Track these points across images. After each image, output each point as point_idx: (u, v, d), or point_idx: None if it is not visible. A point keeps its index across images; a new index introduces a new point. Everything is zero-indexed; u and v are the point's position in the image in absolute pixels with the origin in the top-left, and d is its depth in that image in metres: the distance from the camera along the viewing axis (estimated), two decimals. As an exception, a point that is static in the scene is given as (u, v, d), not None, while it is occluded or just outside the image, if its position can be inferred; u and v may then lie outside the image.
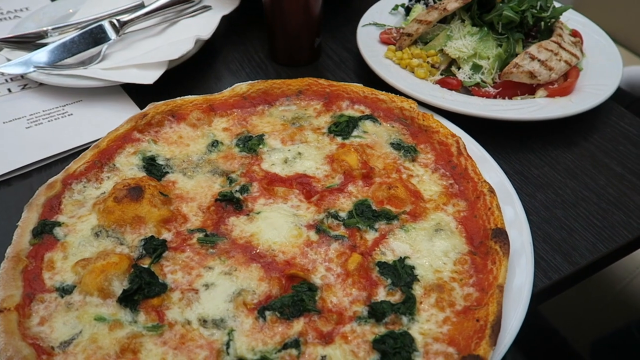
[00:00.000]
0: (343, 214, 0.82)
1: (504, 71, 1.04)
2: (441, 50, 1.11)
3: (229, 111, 1.01)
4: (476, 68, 1.07)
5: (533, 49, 1.05)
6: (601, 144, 1.01)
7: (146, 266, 0.73)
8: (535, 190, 0.92)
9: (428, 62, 1.11)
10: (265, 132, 0.97)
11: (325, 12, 1.37)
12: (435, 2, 1.19)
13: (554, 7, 1.11)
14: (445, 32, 1.11)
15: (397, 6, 1.29)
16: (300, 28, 1.16)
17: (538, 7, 1.08)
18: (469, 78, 1.07)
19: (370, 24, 1.23)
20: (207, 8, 1.31)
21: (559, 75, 1.05)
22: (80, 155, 0.88)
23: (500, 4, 1.07)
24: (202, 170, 0.89)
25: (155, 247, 0.75)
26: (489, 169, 0.89)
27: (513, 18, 1.05)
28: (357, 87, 1.04)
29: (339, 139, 0.95)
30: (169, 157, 0.91)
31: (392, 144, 0.94)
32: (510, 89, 1.06)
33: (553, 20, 1.11)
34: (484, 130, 0.99)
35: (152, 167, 0.88)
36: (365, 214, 0.81)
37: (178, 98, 1.00)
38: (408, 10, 1.28)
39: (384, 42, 1.19)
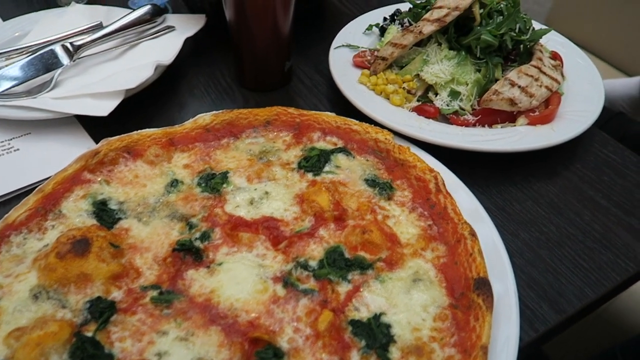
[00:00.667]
0: (313, 263, 0.75)
1: (483, 98, 0.99)
2: (417, 75, 1.06)
3: (191, 145, 0.93)
4: (454, 94, 1.01)
5: (513, 74, 1.00)
6: (585, 175, 0.97)
7: (90, 334, 0.65)
8: (519, 228, 0.87)
9: (404, 88, 1.05)
10: (229, 168, 0.90)
11: (296, 32, 1.31)
12: (410, 24, 1.13)
13: (533, 29, 1.06)
14: (422, 56, 1.06)
15: (371, 26, 1.23)
16: (269, 51, 1.09)
17: (517, 30, 1.03)
18: (447, 105, 1.01)
19: (343, 45, 1.17)
20: (170, 29, 1.23)
21: (540, 102, 1.00)
22: (22, 201, 0.80)
23: (478, 27, 1.02)
24: (159, 215, 0.81)
25: (102, 311, 0.67)
26: (470, 210, 0.83)
27: (491, 42, 1.00)
28: (329, 117, 0.98)
29: (309, 176, 0.89)
30: (122, 200, 0.83)
31: (366, 181, 0.88)
32: (490, 117, 1.01)
33: (532, 43, 1.07)
34: (463, 161, 0.94)
35: (103, 212, 0.80)
36: (338, 263, 0.75)
37: (134, 132, 0.92)
38: (383, 30, 1.22)
39: (358, 65, 1.13)
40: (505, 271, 0.75)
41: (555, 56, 1.14)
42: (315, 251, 0.77)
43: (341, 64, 1.12)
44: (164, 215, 0.81)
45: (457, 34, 1.05)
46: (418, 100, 1.05)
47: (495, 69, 1.03)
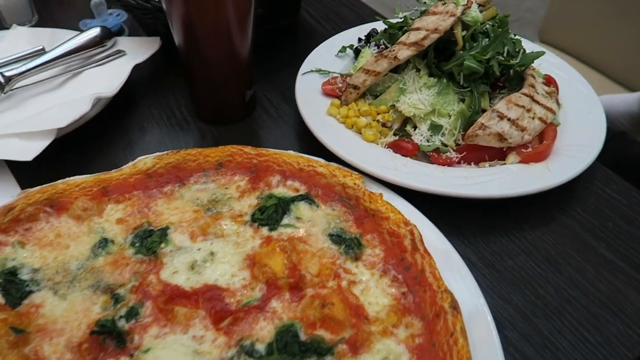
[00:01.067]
0: (261, 347, 0.62)
1: (468, 133, 0.86)
2: (393, 106, 0.93)
3: (128, 194, 0.80)
4: (435, 128, 0.89)
5: (501, 105, 0.87)
6: (586, 220, 0.84)
7: None
8: (511, 290, 0.74)
9: (378, 121, 0.92)
10: (171, 223, 0.76)
11: (265, 54, 1.19)
12: (386, 46, 1.01)
13: (524, 52, 0.94)
14: (398, 85, 0.93)
15: (344, 48, 1.11)
16: (226, 80, 0.97)
17: (505, 54, 0.91)
18: (427, 141, 0.89)
19: (312, 70, 1.04)
20: (120, 53, 1.10)
21: (533, 136, 0.88)
22: None
23: (461, 52, 0.89)
24: (80, 285, 0.68)
25: None
26: (453, 274, 0.70)
27: (476, 69, 0.87)
28: (292, 157, 0.85)
29: (264, 231, 0.76)
30: (38, 266, 0.70)
31: (331, 236, 0.75)
32: (476, 153, 0.88)
33: (523, 67, 0.94)
34: (445, 206, 0.81)
35: (11, 285, 0.67)
36: (290, 348, 0.61)
37: (60, 181, 0.79)
38: (358, 52, 1.09)
39: (328, 94, 1.00)
40: (495, 353, 0.62)
41: (549, 81, 1.01)
42: (264, 330, 0.64)
43: (309, 93, 0.99)
44: (86, 286, 0.68)
45: (437, 59, 0.92)
46: (395, 134, 0.93)
47: (482, 98, 0.91)
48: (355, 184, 0.80)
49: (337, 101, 0.97)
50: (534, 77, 0.95)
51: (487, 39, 0.90)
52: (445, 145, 0.88)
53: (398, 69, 0.96)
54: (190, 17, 0.86)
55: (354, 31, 1.17)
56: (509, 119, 0.86)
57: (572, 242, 0.81)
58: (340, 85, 1.01)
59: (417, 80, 0.92)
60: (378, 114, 0.93)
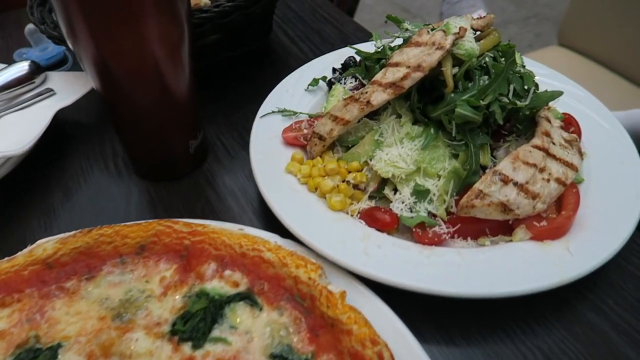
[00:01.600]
0: None
1: (461, 203, 0.66)
2: (368, 163, 0.73)
3: (18, 294, 0.62)
4: (420, 194, 0.69)
5: (506, 165, 0.67)
6: (620, 319, 0.63)
7: None
8: None
9: (349, 182, 0.73)
10: (66, 337, 0.58)
11: (222, 86, 1.00)
12: (362, 83, 0.81)
13: (535, 91, 0.73)
14: (372, 136, 0.73)
15: (316, 80, 0.91)
16: (161, 130, 0.78)
17: (511, 94, 0.70)
18: (410, 210, 0.69)
19: (274, 111, 0.85)
20: (48, 93, 0.92)
21: (547, 204, 0.67)
22: None
23: (452, 95, 0.69)
24: None
25: None
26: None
27: (471, 118, 0.67)
28: (233, 237, 0.66)
29: (186, 349, 0.57)
30: None
31: (273, 358, 0.56)
32: (473, 225, 0.68)
33: (535, 110, 0.73)
34: (430, 304, 0.62)
35: None
36: None
37: None
38: (332, 85, 0.90)
39: (290, 143, 0.81)
40: None
41: (568, 122, 0.80)
42: None
43: (267, 141, 0.80)
44: None
45: (422, 102, 0.72)
46: (371, 198, 0.73)
47: (481, 152, 0.70)
48: (310, 278, 0.61)
49: (299, 154, 0.77)
50: (549, 120, 0.74)
51: (486, 76, 0.70)
52: (434, 216, 0.68)
53: (377, 111, 0.76)
54: (104, 59, 0.68)
55: (331, 57, 0.98)
56: (515, 184, 0.66)
57: (602, 353, 0.60)
58: (306, 131, 0.81)
59: (398, 130, 0.72)
60: (349, 172, 0.74)
